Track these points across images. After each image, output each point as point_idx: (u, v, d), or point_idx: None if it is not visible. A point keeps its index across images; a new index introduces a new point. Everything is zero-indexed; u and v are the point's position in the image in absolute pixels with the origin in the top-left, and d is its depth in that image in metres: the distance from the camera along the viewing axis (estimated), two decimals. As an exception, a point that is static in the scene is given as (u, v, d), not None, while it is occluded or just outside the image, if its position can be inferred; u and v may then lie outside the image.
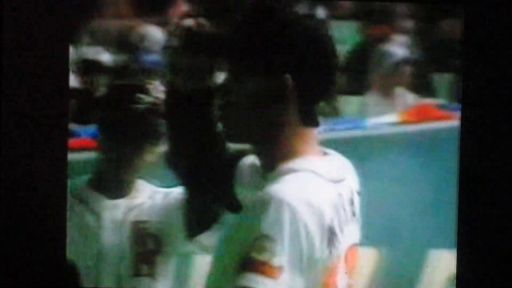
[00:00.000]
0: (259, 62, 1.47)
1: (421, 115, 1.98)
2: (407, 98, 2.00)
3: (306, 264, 1.40)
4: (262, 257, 1.37)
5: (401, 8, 1.98)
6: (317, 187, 1.45)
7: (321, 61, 1.47)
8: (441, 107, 1.98)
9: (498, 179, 2.00)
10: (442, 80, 1.98)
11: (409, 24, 1.99)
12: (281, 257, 1.38)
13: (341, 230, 1.47)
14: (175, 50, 1.60)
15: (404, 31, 2.00)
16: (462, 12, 2.00)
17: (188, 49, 1.56)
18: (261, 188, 1.42)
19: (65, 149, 1.93)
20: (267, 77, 1.46)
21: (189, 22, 1.60)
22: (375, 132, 1.95)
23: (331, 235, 1.43)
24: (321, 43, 1.47)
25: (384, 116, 1.98)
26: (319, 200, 1.42)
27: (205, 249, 1.64)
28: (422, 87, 2.00)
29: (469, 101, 1.99)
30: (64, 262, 1.91)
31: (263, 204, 1.39)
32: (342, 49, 1.76)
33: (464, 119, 1.99)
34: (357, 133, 1.94)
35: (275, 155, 1.48)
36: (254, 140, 1.51)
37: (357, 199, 1.54)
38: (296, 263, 1.39)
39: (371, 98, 1.98)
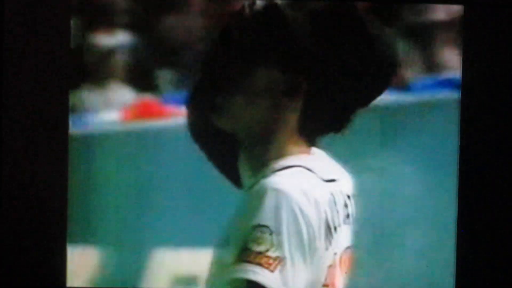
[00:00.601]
0: (279, 56, 1.47)
1: (143, 112, 1.91)
2: (125, 93, 1.92)
3: (308, 254, 1.40)
4: (259, 248, 1.38)
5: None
6: (311, 182, 1.45)
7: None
8: (165, 103, 1.90)
9: (498, 178, 2.00)
10: (164, 75, 1.90)
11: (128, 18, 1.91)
12: (280, 248, 1.38)
13: (336, 230, 1.47)
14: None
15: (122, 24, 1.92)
16: (462, 12, 2.00)
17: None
18: (254, 183, 1.43)
19: (65, 149, 1.92)
20: (283, 73, 1.46)
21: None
22: (97, 130, 1.91)
23: (327, 230, 1.43)
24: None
25: (103, 112, 1.91)
26: (315, 193, 1.42)
27: None
28: (143, 82, 1.92)
29: (469, 101, 1.99)
30: (64, 262, 1.91)
31: (259, 195, 1.39)
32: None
33: (464, 119, 1.99)
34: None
35: (268, 152, 1.48)
36: (250, 133, 1.51)
37: (350, 202, 1.55)
38: (299, 254, 1.39)
39: (87, 93, 1.90)
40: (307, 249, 1.38)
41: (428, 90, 2.04)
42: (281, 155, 1.46)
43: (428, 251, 2.02)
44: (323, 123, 1.51)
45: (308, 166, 1.45)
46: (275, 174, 1.43)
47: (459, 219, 1.99)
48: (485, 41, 1.99)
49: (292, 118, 1.48)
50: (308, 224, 1.38)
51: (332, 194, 1.48)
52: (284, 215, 1.37)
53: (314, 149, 1.52)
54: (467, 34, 1.99)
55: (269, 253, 1.36)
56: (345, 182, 1.54)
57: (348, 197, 1.55)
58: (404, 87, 2.00)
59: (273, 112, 1.46)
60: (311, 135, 1.50)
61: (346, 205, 1.52)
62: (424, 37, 2.01)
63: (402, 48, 1.95)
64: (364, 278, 1.97)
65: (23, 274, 1.93)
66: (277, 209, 1.37)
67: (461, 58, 2.00)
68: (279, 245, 1.36)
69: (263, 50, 1.47)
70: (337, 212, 1.47)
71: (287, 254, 1.37)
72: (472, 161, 1.99)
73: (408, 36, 2.01)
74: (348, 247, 1.54)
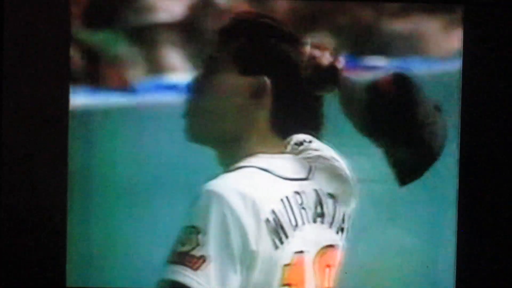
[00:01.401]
0: (243, 61, 1.48)
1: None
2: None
3: (240, 256, 1.40)
4: (185, 248, 1.38)
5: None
6: (259, 181, 1.45)
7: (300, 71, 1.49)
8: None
9: (498, 178, 2.01)
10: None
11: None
12: (204, 247, 1.38)
13: (296, 228, 1.46)
14: None
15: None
16: (462, 12, 2.00)
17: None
18: None
19: (65, 148, 1.93)
20: (247, 75, 1.47)
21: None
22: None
23: (275, 229, 1.43)
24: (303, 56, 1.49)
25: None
26: (257, 193, 1.42)
27: None
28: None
29: (469, 101, 1.99)
30: (64, 262, 1.92)
31: (195, 198, 1.40)
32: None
33: (464, 119, 1.99)
34: None
35: (240, 154, 1.49)
36: (219, 140, 1.52)
37: (327, 201, 1.54)
38: (224, 254, 1.39)
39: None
40: (238, 250, 1.38)
41: (152, 92, 2.05)
42: (251, 155, 1.47)
43: (428, 251, 2.03)
44: (294, 120, 1.51)
45: (263, 166, 1.45)
46: (221, 176, 1.44)
47: (459, 219, 1.99)
48: (485, 41, 1.99)
49: (263, 118, 1.48)
50: (239, 226, 1.38)
51: (297, 192, 1.47)
52: (213, 215, 1.37)
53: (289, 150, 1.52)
54: (467, 34, 1.99)
55: (193, 252, 1.36)
56: (324, 181, 1.53)
57: (332, 196, 1.53)
58: (128, 88, 2.01)
59: (242, 114, 1.47)
60: (284, 133, 1.51)
61: (320, 204, 1.51)
62: (147, 38, 2.01)
63: (126, 50, 1.96)
64: (364, 278, 1.97)
65: (24, 274, 1.93)
66: (206, 209, 1.37)
67: (461, 58, 2.00)
68: (205, 245, 1.37)
69: (222, 55, 1.48)
70: (303, 210, 1.47)
71: (212, 253, 1.37)
72: (472, 161, 1.99)
73: (132, 37, 2.01)
74: (329, 246, 1.53)
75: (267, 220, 1.41)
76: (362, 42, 2.01)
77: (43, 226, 1.93)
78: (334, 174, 1.56)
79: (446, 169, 1.99)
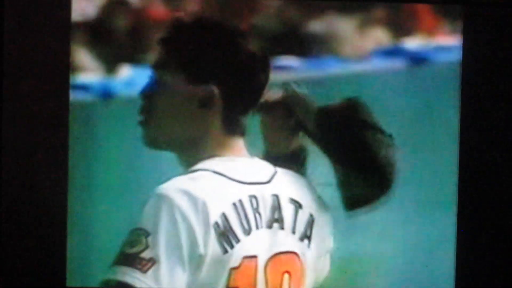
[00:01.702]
0: (188, 70, 1.48)
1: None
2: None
3: (188, 258, 1.39)
4: (133, 250, 1.38)
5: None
6: (210, 185, 1.45)
7: (248, 75, 1.49)
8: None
9: (498, 178, 2.00)
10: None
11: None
12: (153, 249, 1.38)
13: (249, 232, 1.46)
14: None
15: None
16: (462, 12, 2.00)
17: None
18: None
19: (65, 148, 1.92)
20: (194, 84, 1.47)
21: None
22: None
23: (224, 233, 1.42)
24: (248, 59, 1.49)
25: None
26: (208, 196, 1.42)
27: None
28: None
29: (469, 101, 1.99)
30: (64, 262, 1.91)
31: (145, 200, 1.40)
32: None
33: (464, 118, 1.99)
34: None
35: (197, 158, 1.49)
36: (176, 146, 1.52)
37: (288, 207, 1.52)
38: (174, 257, 1.38)
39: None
40: (187, 252, 1.38)
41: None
42: (208, 158, 1.47)
43: (428, 251, 2.03)
44: (244, 120, 1.51)
45: (217, 169, 1.45)
46: (173, 179, 1.44)
47: (459, 219, 1.99)
48: (484, 41, 1.99)
49: (215, 122, 1.48)
50: (189, 228, 1.38)
51: (253, 196, 1.46)
52: (163, 219, 1.37)
53: (250, 154, 1.51)
54: (467, 34, 1.99)
55: (143, 255, 1.36)
56: (285, 187, 1.51)
57: (296, 202, 1.51)
58: None
59: (194, 120, 1.47)
60: (239, 133, 1.50)
61: (278, 209, 1.50)
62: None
63: None
64: (364, 278, 1.96)
65: (24, 273, 1.93)
66: (156, 212, 1.37)
67: (461, 58, 2.00)
68: (154, 247, 1.36)
69: (168, 64, 1.48)
70: (257, 214, 1.46)
71: (162, 255, 1.36)
72: (472, 161, 1.99)
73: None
74: (286, 252, 1.51)
75: (216, 224, 1.40)
76: (277, 41, 1.99)
77: (43, 225, 1.93)
78: (299, 179, 1.55)
79: (446, 169, 1.99)
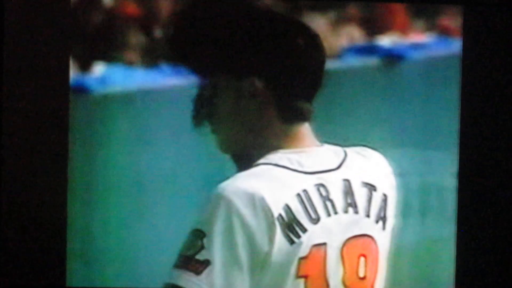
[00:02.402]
0: (227, 63, 1.47)
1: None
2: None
3: (247, 259, 1.39)
4: (189, 252, 1.38)
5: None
6: (271, 178, 1.44)
7: (294, 61, 1.47)
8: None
9: (498, 178, 2.01)
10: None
11: None
12: (208, 251, 1.37)
13: (318, 221, 1.45)
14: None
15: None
16: (462, 12, 2.00)
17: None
18: None
19: (65, 148, 1.93)
20: (236, 78, 1.46)
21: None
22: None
23: (290, 225, 1.41)
24: (291, 45, 1.47)
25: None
26: (268, 191, 1.41)
27: None
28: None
29: (469, 101, 1.99)
30: (64, 262, 1.92)
31: (204, 201, 1.39)
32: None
33: (464, 119, 1.99)
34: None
35: (259, 156, 1.48)
36: (246, 146, 1.52)
37: (360, 190, 1.52)
38: (230, 258, 1.38)
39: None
40: (245, 253, 1.37)
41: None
42: (271, 152, 1.46)
43: (428, 251, 2.03)
44: (305, 105, 1.49)
45: (279, 162, 1.44)
46: (232, 177, 1.43)
47: (459, 219, 1.99)
48: (484, 41, 2.00)
49: (270, 111, 1.47)
50: (247, 230, 1.37)
51: (321, 184, 1.46)
52: (219, 220, 1.36)
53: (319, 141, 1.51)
54: (467, 34, 1.99)
55: (197, 257, 1.36)
56: (356, 168, 1.52)
57: (369, 185, 1.52)
58: None
59: (250, 114, 1.46)
60: (297, 120, 1.49)
61: (350, 193, 1.50)
62: None
63: None
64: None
65: (24, 273, 1.93)
66: (212, 213, 1.37)
67: (462, 58, 2.00)
68: (209, 248, 1.36)
69: (215, 64, 1.48)
70: (328, 201, 1.45)
71: (216, 257, 1.36)
72: (473, 161, 1.99)
73: None
74: (361, 235, 1.51)
75: (280, 216, 1.40)
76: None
77: (43, 226, 1.93)
78: (372, 157, 1.55)
79: (446, 169, 1.99)
